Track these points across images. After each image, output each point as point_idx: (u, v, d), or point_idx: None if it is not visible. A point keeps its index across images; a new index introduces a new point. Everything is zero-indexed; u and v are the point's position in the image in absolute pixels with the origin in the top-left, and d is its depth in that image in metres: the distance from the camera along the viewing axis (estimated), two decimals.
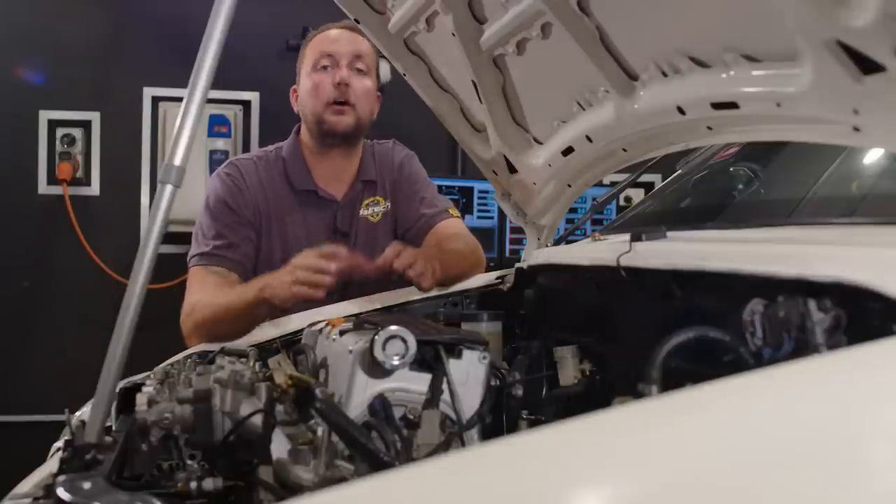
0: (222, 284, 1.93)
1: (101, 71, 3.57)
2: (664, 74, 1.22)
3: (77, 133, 3.54)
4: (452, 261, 1.88)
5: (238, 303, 1.78)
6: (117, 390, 1.15)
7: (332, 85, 2.07)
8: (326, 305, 1.80)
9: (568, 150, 1.54)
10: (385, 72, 3.11)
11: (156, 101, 3.57)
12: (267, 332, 1.73)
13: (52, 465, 1.23)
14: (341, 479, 0.99)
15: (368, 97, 2.13)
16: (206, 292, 1.90)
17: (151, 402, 1.16)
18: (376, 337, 1.15)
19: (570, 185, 1.65)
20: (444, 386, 1.19)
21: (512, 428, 1.33)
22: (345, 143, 2.13)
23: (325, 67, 2.10)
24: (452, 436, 1.16)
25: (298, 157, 2.15)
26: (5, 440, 3.31)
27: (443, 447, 1.13)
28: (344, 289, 2.11)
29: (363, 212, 2.16)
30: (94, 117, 3.55)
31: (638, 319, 1.29)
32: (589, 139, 1.46)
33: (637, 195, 3.36)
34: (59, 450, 1.25)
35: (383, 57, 1.87)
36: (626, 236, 1.33)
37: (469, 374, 1.22)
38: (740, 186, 1.77)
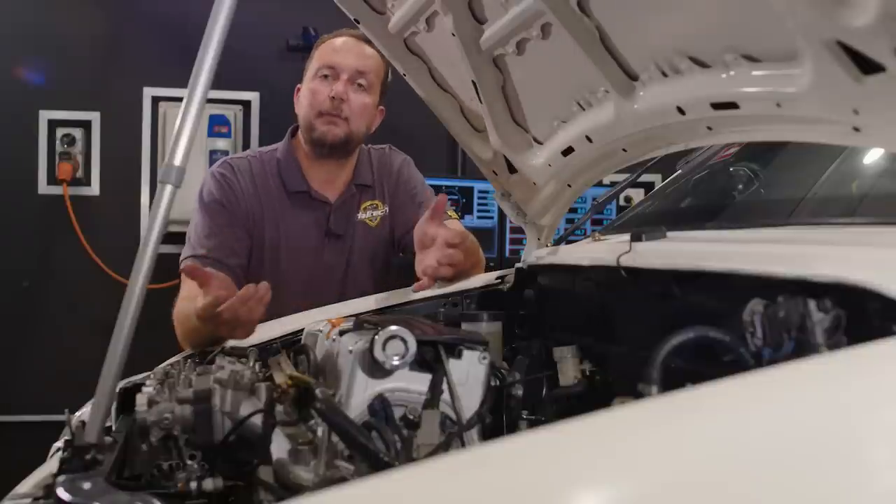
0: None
1: (101, 71, 3.57)
2: (664, 74, 1.22)
3: (77, 133, 3.55)
4: (466, 255, 1.84)
5: (192, 315, 1.64)
6: (117, 390, 1.15)
7: (327, 96, 2.06)
8: (327, 306, 1.80)
9: (568, 150, 1.53)
10: None
11: (156, 101, 3.58)
12: (267, 332, 1.73)
13: (52, 465, 1.23)
14: (341, 479, 0.99)
15: (364, 113, 2.10)
16: (186, 300, 1.80)
17: (151, 402, 1.16)
18: (376, 337, 1.15)
19: (570, 185, 1.65)
20: (444, 386, 1.19)
21: (512, 428, 1.33)
22: (335, 154, 2.11)
23: (325, 76, 2.08)
24: (452, 436, 1.15)
25: (292, 159, 2.14)
26: (5, 440, 3.31)
27: (443, 447, 1.13)
28: (343, 289, 2.12)
29: (361, 215, 2.16)
30: (94, 117, 3.56)
31: (638, 319, 1.29)
32: (589, 139, 1.45)
33: (637, 195, 3.36)
34: (59, 450, 1.25)
35: None
36: (626, 236, 1.33)
37: (469, 374, 1.21)
38: (740, 186, 1.77)
